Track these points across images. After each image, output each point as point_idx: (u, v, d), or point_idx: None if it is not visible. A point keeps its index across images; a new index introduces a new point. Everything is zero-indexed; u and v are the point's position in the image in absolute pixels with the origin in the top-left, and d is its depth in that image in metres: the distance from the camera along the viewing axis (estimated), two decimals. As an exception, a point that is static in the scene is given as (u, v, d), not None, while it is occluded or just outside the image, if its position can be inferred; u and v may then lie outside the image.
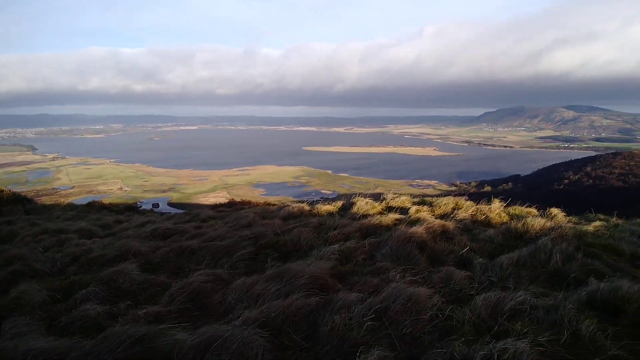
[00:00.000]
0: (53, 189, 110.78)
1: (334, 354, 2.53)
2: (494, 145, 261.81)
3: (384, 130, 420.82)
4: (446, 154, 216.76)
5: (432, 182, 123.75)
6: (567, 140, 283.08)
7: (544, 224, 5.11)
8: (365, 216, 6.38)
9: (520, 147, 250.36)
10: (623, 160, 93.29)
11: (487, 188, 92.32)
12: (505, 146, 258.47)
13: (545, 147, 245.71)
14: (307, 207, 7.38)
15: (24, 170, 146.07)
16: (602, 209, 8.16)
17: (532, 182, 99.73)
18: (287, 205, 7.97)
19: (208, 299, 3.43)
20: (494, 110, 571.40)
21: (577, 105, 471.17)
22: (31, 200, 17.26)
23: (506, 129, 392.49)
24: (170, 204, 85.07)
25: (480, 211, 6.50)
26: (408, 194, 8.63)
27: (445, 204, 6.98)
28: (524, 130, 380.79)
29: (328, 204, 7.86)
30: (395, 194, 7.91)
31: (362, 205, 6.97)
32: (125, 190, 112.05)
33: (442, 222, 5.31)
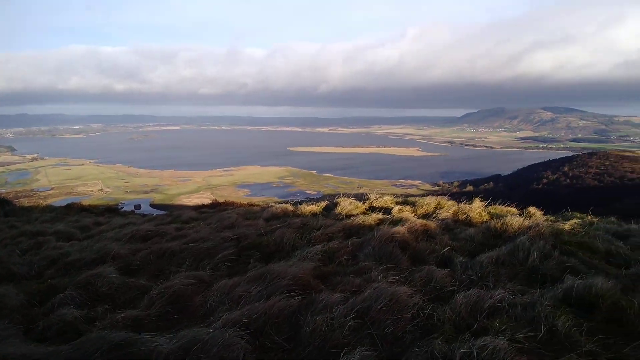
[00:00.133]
0: (32, 190, 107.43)
1: (316, 355, 2.52)
2: (476, 146, 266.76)
3: (368, 131, 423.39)
4: (429, 154, 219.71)
5: (416, 182, 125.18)
6: (545, 140, 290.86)
7: (523, 222, 5.23)
8: (348, 216, 6.40)
9: (500, 148, 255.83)
10: (598, 160, 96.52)
11: (469, 188, 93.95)
12: (487, 146, 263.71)
13: (525, 148, 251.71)
14: (290, 208, 7.35)
15: (2, 172, 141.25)
16: (579, 208, 8.39)
17: (513, 182, 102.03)
18: (271, 205, 7.93)
19: (189, 302, 3.37)
20: (475, 111, 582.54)
21: (555, 106, 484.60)
22: (10, 202, 16.83)
23: (487, 130, 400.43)
24: (153, 206, 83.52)
25: (462, 210, 6.60)
26: (391, 194, 8.70)
27: (427, 203, 7.06)
28: (504, 130, 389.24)
29: (312, 204, 7.85)
30: (379, 194, 7.96)
31: (346, 205, 6.98)
32: (106, 192, 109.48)
33: (424, 221, 5.37)
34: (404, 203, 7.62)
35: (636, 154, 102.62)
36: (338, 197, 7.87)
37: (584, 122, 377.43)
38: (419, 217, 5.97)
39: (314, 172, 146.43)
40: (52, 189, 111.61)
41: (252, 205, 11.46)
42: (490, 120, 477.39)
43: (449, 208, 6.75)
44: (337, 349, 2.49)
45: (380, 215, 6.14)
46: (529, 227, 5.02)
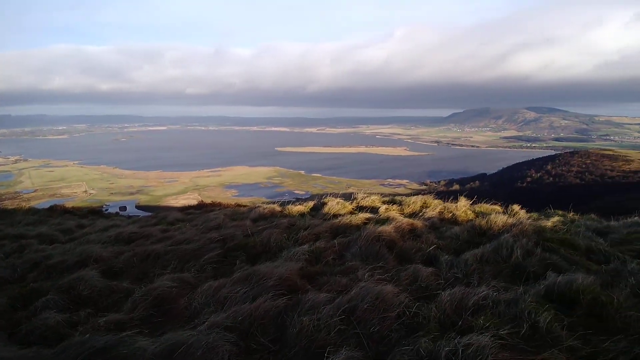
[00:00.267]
0: (15, 192, 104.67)
1: (302, 356, 2.51)
2: (462, 145, 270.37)
3: (355, 131, 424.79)
4: (416, 153, 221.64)
5: (404, 182, 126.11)
6: (529, 140, 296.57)
7: (507, 220, 5.31)
8: (336, 216, 6.40)
9: (486, 147, 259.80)
10: (580, 159, 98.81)
11: (456, 186, 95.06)
12: (473, 146, 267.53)
13: (510, 147, 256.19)
14: (278, 208, 7.31)
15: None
16: (561, 205, 8.58)
17: (498, 180, 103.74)
18: (258, 206, 7.87)
19: (173, 305, 3.33)
20: (461, 111, 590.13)
21: (538, 106, 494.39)
22: (-7, 205, 16.38)
23: (473, 129, 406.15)
24: (139, 207, 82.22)
25: (448, 209, 6.67)
26: (379, 194, 8.73)
27: (414, 202, 7.12)
28: (490, 130, 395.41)
29: (299, 204, 7.82)
30: (366, 193, 7.98)
31: (333, 205, 6.98)
32: (90, 194, 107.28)
33: (411, 220, 5.41)
34: (391, 202, 7.66)
35: (616, 152, 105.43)
36: (326, 197, 7.86)
37: (566, 121, 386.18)
38: (405, 216, 6.01)
39: (303, 172, 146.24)
40: (35, 191, 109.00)
41: (240, 205, 11.37)
42: (476, 120, 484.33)
43: (435, 207, 6.81)
44: (323, 350, 2.48)
45: (368, 215, 6.15)
46: (513, 225, 5.10)
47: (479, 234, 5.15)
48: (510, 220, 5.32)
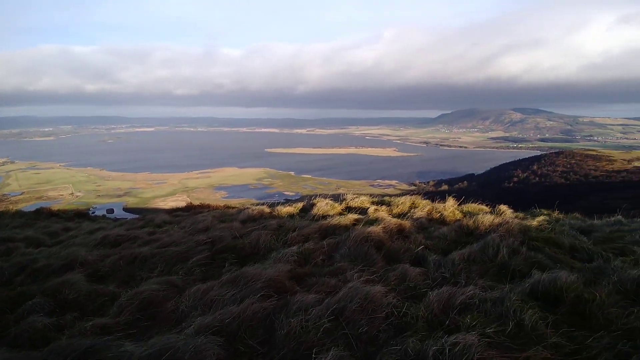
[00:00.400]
0: (3, 195, 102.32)
1: (290, 357, 2.51)
2: (450, 146, 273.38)
3: (345, 132, 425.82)
4: (405, 154, 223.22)
5: (393, 182, 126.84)
6: (515, 140, 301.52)
7: (493, 220, 5.38)
8: (325, 217, 6.40)
9: (474, 148, 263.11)
10: (565, 159, 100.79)
11: (445, 187, 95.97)
12: (461, 146, 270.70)
13: (497, 147, 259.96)
14: (267, 209, 7.28)
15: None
16: (547, 205, 8.75)
17: (485, 181, 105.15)
18: (247, 207, 7.82)
19: (160, 308, 3.28)
20: (450, 112, 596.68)
21: (524, 107, 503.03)
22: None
23: (461, 130, 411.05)
24: (126, 209, 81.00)
25: (436, 209, 6.73)
26: (368, 194, 8.77)
27: (402, 203, 7.16)
28: (477, 131, 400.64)
29: (289, 205, 7.81)
30: (355, 194, 8.00)
31: (322, 206, 6.98)
32: (77, 196, 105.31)
33: (399, 221, 5.44)
34: (380, 203, 7.70)
35: (599, 153, 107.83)
36: (315, 198, 7.86)
37: (551, 122, 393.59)
38: (394, 217, 6.04)
39: (292, 173, 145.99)
40: (22, 193, 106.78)
41: (229, 207, 11.30)
42: (464, 121, 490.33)
43: (423, 207, 6.86)
44: (311, 351, 2.48)
45: (357, 216, 6.17)
46: (499, 225, 5.17)
47: (467, 233, 5.21)
48: (497, 220, 5.40)
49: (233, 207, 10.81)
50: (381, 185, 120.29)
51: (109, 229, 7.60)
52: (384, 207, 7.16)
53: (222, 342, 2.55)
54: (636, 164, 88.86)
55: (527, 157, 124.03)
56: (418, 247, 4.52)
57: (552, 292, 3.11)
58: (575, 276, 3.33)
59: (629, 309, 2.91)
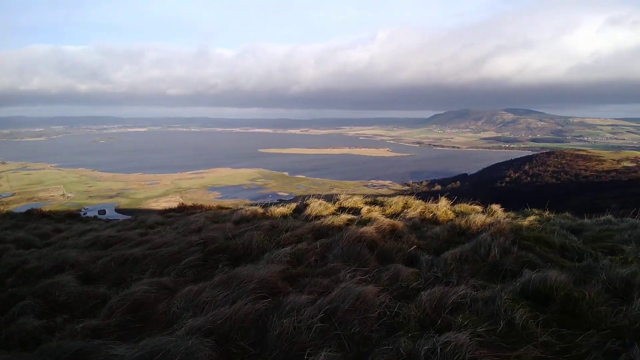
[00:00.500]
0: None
1: (282, 358, 2.50)
2: (443, 146, 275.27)
3: (339, 132, 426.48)
4: (399, 154, 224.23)
5: (386, 182, 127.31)
6: (507, 141, 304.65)
7: (485, 220, 5.42)
8: (318, 217, 6.39)
9: (466, 148, 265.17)
10: (556, 159, 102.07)
11: (438, 187, 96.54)
12: (454, 147, 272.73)
13: (489, 148, 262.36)
14: (260, 210, 7.26)
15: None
16: (538, 204, 8.83)
17: (478, 181, 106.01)
18: (240, 208, 7.79)
19: (151, 310, 3.25)
20: (443, 112, 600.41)
21: (516, 108, 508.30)
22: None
23: (454, 131, 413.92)
24: (119, 210, 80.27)
25: (429, 209, 6.76)
26: (361, 194, 8.78)
27: (395, 203, 7.19)
28: (470, 131, 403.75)
29: (282, 206, 7.79)
30: (349, 194, 8.02)
31: (316, 206, 6.98)
32: (68, 197, 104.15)
33: (392, 221, 5.45)
34: (373, 203, 7.72)
35: (589, 153, 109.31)
36: (308, 199, 7.85)
37: (543, 123, 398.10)
38: (387, 217, 6.05)
39: (286, 173, 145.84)
40: (14, 194, 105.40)
41: (222, 208, 11.25)
42: (457, 121, 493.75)
43: (416, 207, 6.90)
44: (303, 352, 2.47)
45: (350, 216, 6.17)
46: (491, 224, 5.21)
47: (459, 233, 5.24)
48: (489, 220, 5.44)
49: (226, 208, 10.76)
50: (375, 186, 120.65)
51: (100, 230, 7.53)
52: (377, 207, 7.17)
53: (213, 343, 2.53)
54: (625, 164, 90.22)
55: (518, 157, 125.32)
56: (411, 247, 4.53)
57: (543, 291, 3.14)
58: (565, 275, 3.36)
59: (618, 308, 2.93)
